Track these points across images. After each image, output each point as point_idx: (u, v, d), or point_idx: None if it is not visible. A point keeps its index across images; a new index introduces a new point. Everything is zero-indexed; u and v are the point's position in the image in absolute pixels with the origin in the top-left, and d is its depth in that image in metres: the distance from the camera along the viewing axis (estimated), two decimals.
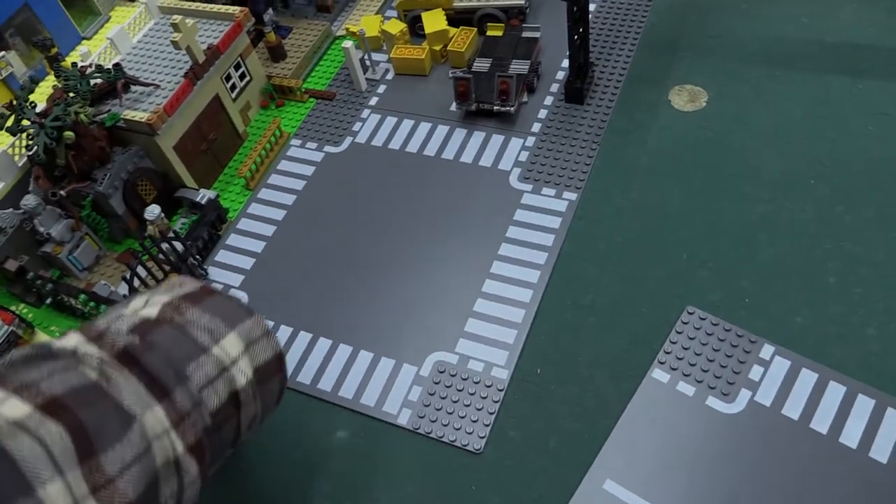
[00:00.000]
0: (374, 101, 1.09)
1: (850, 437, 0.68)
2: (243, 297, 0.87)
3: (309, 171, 1.01)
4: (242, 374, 0.55)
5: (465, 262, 0.85)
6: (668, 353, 0.75)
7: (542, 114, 1.01)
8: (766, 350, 0.74)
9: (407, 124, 1.03)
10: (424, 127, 1.03)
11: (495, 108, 0.99)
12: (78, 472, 0.45)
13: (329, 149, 1.03)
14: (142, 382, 0.49)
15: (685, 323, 0.77)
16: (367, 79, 1.11)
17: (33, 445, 0.43)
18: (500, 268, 0.85)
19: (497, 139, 0.98)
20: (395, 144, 1.01)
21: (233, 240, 0.95)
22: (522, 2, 1.09)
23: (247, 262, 0.92)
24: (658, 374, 0.74)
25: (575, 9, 0.91)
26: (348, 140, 1.03)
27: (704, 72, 1.00)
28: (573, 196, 0.89)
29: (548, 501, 0.68)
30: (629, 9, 1.11)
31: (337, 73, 1.14)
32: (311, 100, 1.12)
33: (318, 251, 0.91)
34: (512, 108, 0.99)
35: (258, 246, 0.93)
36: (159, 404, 0.49)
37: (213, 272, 0.92)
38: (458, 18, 1.12)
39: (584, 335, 0.78)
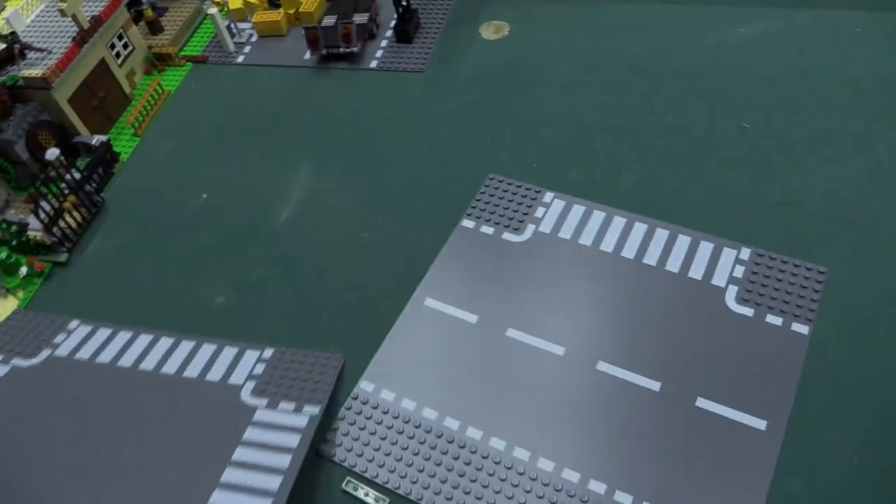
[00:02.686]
0: (241, 59, 1.29)
1: (608, 245, 0.90)
2: None
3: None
4: None
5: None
6: (473, 207, 0.97)
7: (379, 53, 1.23)
8: (548, 196, 0.97)
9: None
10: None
11: (342, 49, 1.21)
12: None
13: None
14: None
15: (487, 186, 0.99)
16: (234, 42, 1.31)
17: None
18: None
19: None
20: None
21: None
22: None
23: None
24: (466, 222, 0.96)
25: None
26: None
27: (508, 10, 1.25)
28: None
29: (386, 314, 0.88)
30: None
31: (209, 42, 1.34)
32: (188, 64, 1.31)
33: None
34: (356, 49, 1.21)
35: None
36: None
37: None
38: None
39: (414, 207, 0.99)
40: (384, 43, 1.25)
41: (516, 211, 0.96)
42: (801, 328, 0.80)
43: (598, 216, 0.94)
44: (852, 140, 0.97)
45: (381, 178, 1.03)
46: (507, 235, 0.93)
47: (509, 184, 0.99)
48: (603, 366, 0.79)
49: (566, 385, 0.78)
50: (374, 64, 1.21)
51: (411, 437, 0.75)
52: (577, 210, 0.95)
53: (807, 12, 1.15)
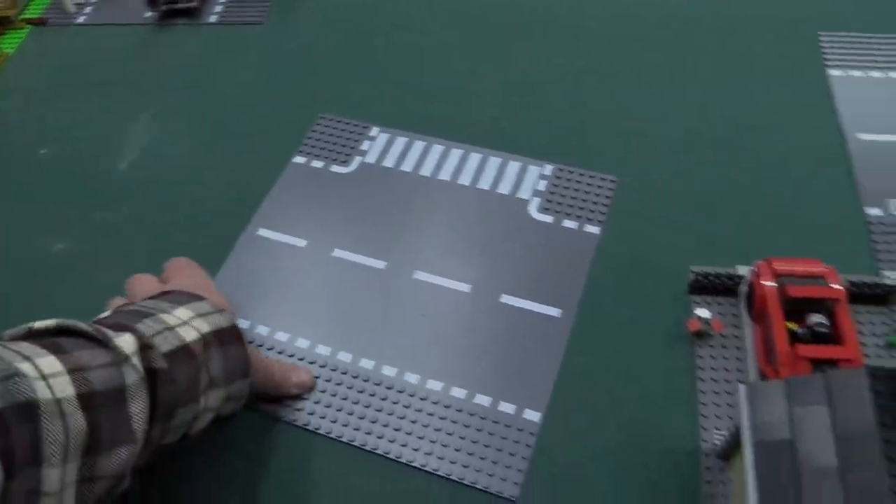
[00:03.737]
0: (81, 19, 1.30)
1: (426, 170, 0.99)
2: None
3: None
4: (192, 331, 0.63)
5: None
6: (305, 144, 1.03)
7: (219, 8, 1.27)
8: (374, 131, 1.04)
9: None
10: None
11: (180, 4, 1.24)
12: (76, 464, 0.52)
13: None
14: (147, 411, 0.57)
15: (318, 124, 1.06)
16: (74, 3, 1.32)
17: (60, 432, 0.50)
18: None
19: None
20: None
21: None
22: None
23: None
24: (298, 159, 1.02)
25: None
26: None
27: None
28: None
29: (222, 240, 0.93)
30: None
31: (50, 4, 1.34)
32: (28, 26, 1.31)
33: None
34: (194, 4, 1.25)
35: None
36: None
37: None
38: None
39: (252, 148, 1.05)
40: None
41: (344, 146, 1.03)
42: (593, 229, 0.91)
43: (418, 145, 1.02)
44: (654, 73, 1.08)
45: (220, 124, 1.08)
46: (336, 168, 1.00)
47: (339, 121, 1.05)
48: (419, 275, 0.87)
49: (388, 294, 0.85)
50: (213, 18, 1.25)
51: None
52: (400, 141, 1.02)
53: None
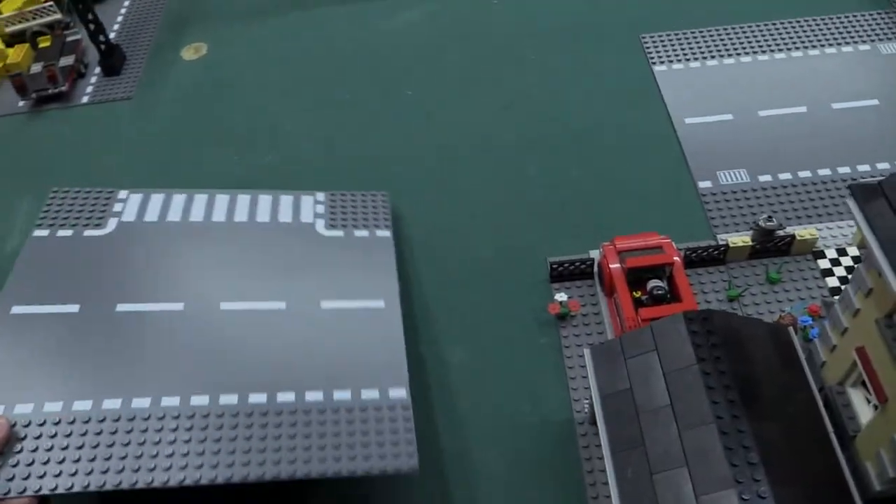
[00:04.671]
0: None
1: (197, 216, 0.92)
2: None
3: None
4: None
5: None
6: (43, 218, 0.91)
7: (89, 89, 1.32)
8: (122, 194, 0.95)
9: None
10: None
11: (49, 90, 1.29)
12: None
13: None
14: None
15: (52, 198, 0.94)
16: None
17: None
18: None
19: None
20: None
21: None
22: (61, 16, 1.40)
23: None
24: (38, 232, 0.89)
25: (80, 7, 1.24)
26: None
27: (206, 32, 1.38)
28: None
29: None
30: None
31: None
32: None
33: None
34: (64, 88, 1.29)
35: None
36: None
37: None
38: (13, 42, 1.39)
39: None
40: (94, 79, 1.34)
41: (92, 210, 0.93)
42: (384, 233, 0.94)
43: (178, 199, 0.95)
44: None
45: None
46: (91, 232, 0.90)
47: (77, 191, 0.95)
48: (226, 305, 0.82)
49: (196, 332, 0.80)
50: (84, 99, 1.30)
51: (83, 434, 0.71)
52: (156, 198, 0.94)
53: None
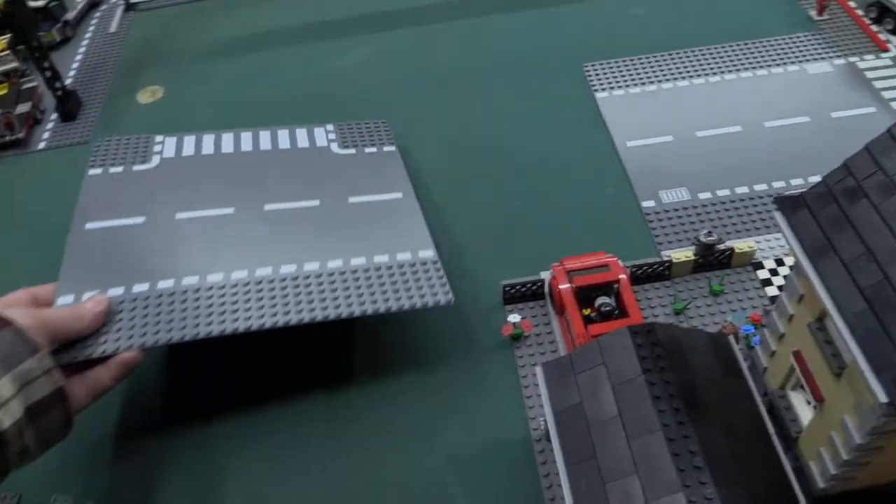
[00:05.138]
0: None
1: (227, 148, 1.08)
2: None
3: None
4: (10, 415, 0.62)
5: None
6: (94, 158, 1.05)
7: (46, 134, 1.33)
8: (159, 138, 1.09)
9: None
10: None
11: (7, 137, 1.30)
12: None
13: None
14: None
15: (98, 145, 1.08)
16: None
17: None
18: None
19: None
20: None
21: None
22: (17, 64, 1.41)
23: None
24: (93, 171, 1.03)
25: (36, 55, 1.25)
26: None
27: (162, 75, 1.41)
28: None
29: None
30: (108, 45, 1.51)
31: None
32: None
33: None
34: (20, 135, 1.30)
35: None
36: None
37: None
38: None
39: None
40: (51, 124, 1.35)
41: (136, 151, 1.07)
42: (390, 148, 1.11)
43: (208, 138, 1.10)
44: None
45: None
46: (138, 167, 1.04)
47: (118, 139, 1.08)
48: (270, 206, 0.98)
49: (249, 226, 0.95)
50: (42, 145, 1.31)
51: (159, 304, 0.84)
52: (189, 139, 1.10)
53: (397, 32, 1.41)
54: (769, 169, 1.07)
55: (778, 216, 0.68)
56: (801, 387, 0.74)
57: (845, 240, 0.61)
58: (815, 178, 1.01)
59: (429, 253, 0.90)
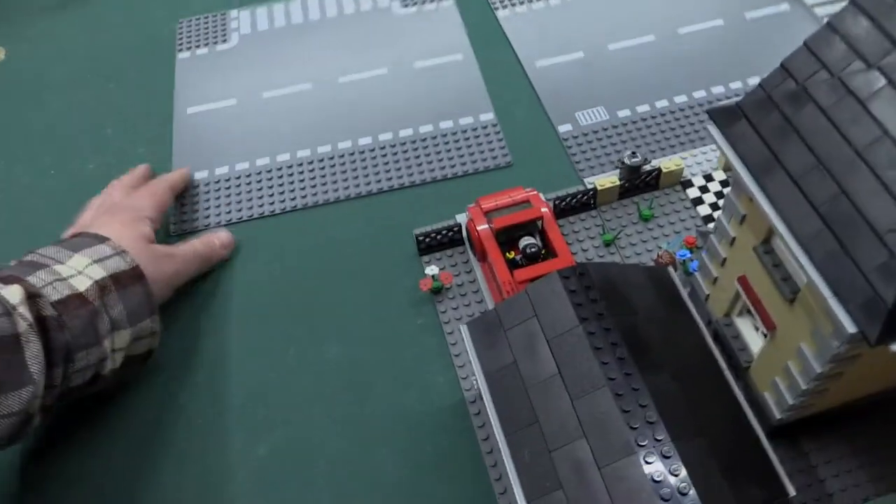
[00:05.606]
0: None
1: (297, 19, 1.17)
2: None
3: None
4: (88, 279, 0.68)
5: None
6: (179, 42, 1.16)
7: None
8: (234, 13, 1.20)
9: None
10: None
11: None
12: None
13: None
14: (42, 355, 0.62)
15: (180, 25, 1.18)
16: None
17: None
18: None
19: None
20: None
21: None
22: None
23: None
24: (181, 55, 1.14)
25: None
26: None
27: (2, 35, 1.21)
28: None
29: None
30: None
31: None
32: None
33: None
34: None
35: None
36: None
37: None
38: None
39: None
40: None
41: (215, 30, 1.17)
42: (448, 3, 1.17)
43: (278, 7, 1.20)
44: None
45: None
46: (221, 47, 1.14)
47: (198, 18, 1.20)
48: (343, 78, 1.07)
49: (326, 101, 1.05)
50: None
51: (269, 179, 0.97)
52: (261, 11, 1.19)
53: None
54: (688, 78, 1.00)
55: (712, 129, 0.60)
56: (750, 313, 0.68)
57: (792, 151, 0.54)
58: (737, 84, 0.95)
59: (489, 115, 0.98)
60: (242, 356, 0.81)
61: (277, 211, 0.93)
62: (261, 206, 0.94)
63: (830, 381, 0.60)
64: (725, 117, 0.59)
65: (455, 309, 0.82)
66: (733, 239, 0.66)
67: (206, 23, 1.18)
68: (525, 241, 0.78)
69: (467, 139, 0.97)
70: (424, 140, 0.97)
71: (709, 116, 0.60)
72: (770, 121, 0.56)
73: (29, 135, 1.06)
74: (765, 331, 0.64)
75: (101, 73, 1.12)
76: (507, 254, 0.79)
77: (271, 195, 0.94)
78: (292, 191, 0.95)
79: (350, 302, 0.83)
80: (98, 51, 1.16)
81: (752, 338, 0.69)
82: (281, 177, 0.96)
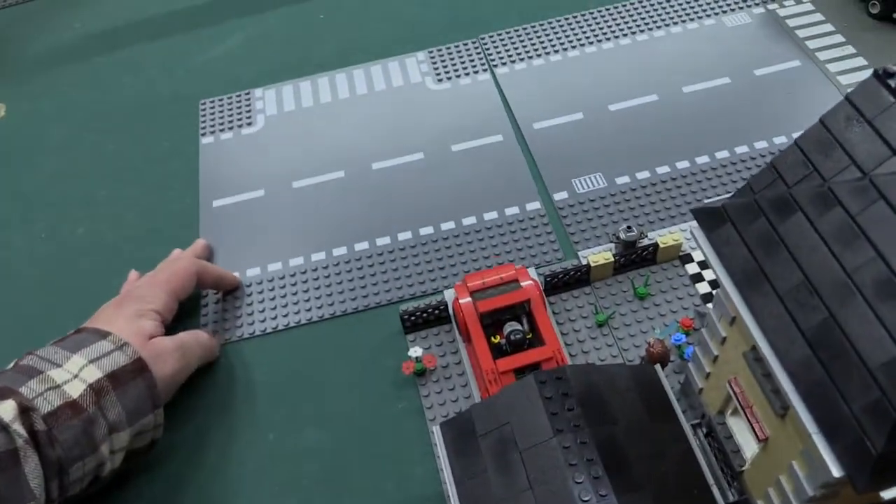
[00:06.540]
0: None
1: (325, 98, 1.11)
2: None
3: None
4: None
5: None
6: (203, 126, 1.10)
7: None
8: (258, 92, 1.13)
9: None
10: None
11: None
12: None
13: None
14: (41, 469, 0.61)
15: (203, 107, 1.12)
16: None
17: None
18: None
19: None
20: None
21: None
22: None
23: None
24: (205, 140, 1.08)
25: None
26: None
27: (4, 91, 1.21)
28: None
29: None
30: None
31: None
32: None
33: None
34: None
35: None
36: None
37: None
38: None
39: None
40: None
41: (240, 112, 1.10)
42: (485, 76, 1.10)
43: (305, 86, 1.13)
44: None
45: None
46: (245, 131, 1.07)
47: (221, 99, 1.13)
48: (377, 165, 1.00)
49: (360, 190, 0.98)
50: None
51: (304, 282, 0.90)
52: (287, 90, 1.12)
53: (273, 12, 1.25)
54: (690, 142, 0.96)
55: (697, 233, 0.56)
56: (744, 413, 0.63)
57: (779, 265, 0.50)
58: (742, 149, 0.91)
59: (535, 205, 0.92)
60: (223, 443, 0.78)
61: (304, 321, 0.87)
62: (285, 315, 0.88)
63: (827, 500, 0.55)
64: (709, 219, 0.56)
65: (438, 393, 0.78)
66: (724, 338, 0.61)
67: (231, 103, 1.12)
68: (509, 326, 0.75)
69: (513, 231, 0.92)
70: (468, 234, 0.92)
71: (693, 216, 0.57)
72: (756, 227, 0.52)
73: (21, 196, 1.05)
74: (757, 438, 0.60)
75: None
76: (493, 337, 0.76)
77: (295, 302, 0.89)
78: (318, 297, 0.89)
79: (331, 383, 0.80)
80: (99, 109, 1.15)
81: (746, 440, 0.65)
82: (317, 278, 0.90)
